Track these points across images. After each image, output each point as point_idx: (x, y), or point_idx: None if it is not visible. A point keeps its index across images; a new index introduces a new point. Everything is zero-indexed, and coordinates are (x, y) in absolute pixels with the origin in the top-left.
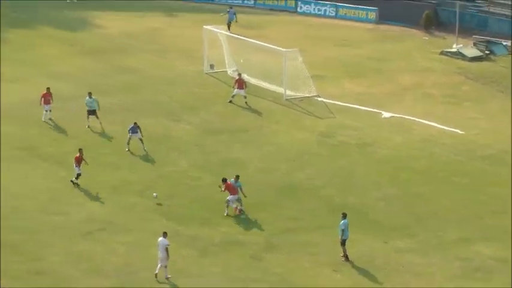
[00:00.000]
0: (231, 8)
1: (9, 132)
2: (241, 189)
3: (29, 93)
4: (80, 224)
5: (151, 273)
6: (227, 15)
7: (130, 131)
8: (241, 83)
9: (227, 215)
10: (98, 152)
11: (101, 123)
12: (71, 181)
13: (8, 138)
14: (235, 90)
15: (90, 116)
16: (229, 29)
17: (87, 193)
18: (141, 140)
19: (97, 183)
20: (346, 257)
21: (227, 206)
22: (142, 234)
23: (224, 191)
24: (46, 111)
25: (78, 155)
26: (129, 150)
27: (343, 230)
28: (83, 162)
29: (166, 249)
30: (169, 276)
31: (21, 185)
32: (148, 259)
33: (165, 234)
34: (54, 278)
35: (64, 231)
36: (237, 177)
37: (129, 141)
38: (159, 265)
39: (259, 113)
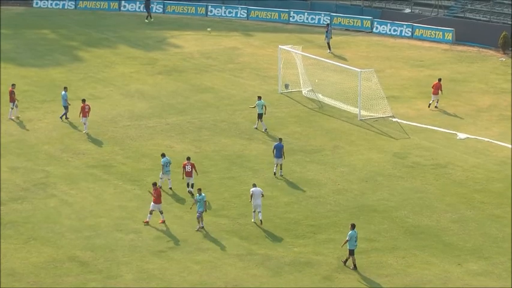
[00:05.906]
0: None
1: (84, 150)
2: (205, 203)
3: (105, 111)
4: (153, 242)
5: None
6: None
7: (276, 154)
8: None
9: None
10: (171, 170)
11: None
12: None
13: (83, 157)
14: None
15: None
16: (329, 49)
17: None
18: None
19: (170, 202)
20: (345, 262)
21: (150, 213)
22: (216, 253)
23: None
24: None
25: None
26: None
27: (347, 241)
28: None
29: (262, 195)
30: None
31: (96, 203)
32: (222, 278)
33: (254, 185)
34: None
35: (137, 249)
36: (200, 190)
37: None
38: (258, 212)
39: (333, 134)
